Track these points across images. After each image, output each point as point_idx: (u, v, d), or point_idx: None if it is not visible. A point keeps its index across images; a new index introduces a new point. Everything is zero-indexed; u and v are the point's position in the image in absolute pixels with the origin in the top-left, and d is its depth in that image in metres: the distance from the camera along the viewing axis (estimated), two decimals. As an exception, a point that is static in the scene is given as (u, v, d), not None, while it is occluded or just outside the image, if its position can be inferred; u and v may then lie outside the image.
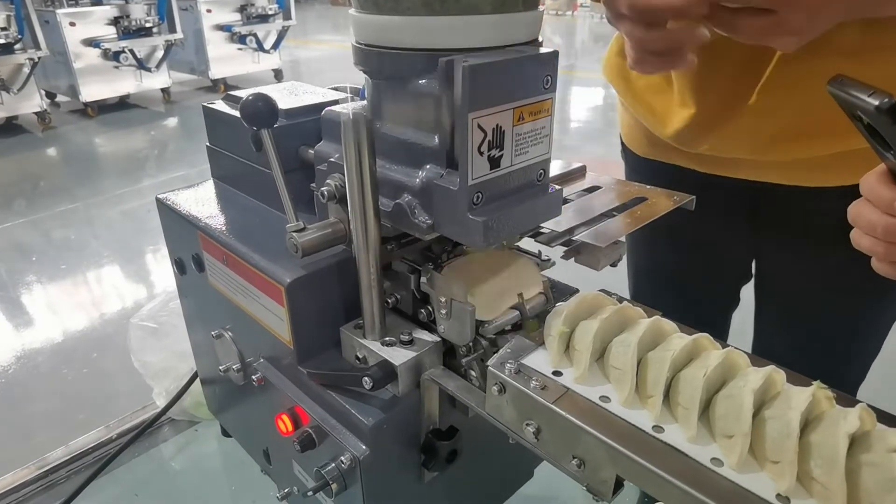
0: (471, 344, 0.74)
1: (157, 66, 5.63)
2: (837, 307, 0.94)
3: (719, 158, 0.87)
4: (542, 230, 0.77)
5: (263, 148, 0.80)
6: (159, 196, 1.05)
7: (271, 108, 0.80)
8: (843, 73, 0.45)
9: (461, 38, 0.62)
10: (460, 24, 0.61)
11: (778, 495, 0.48)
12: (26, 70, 4.75)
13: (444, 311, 0.72)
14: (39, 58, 4.78)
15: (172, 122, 5.51)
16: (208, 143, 1.06)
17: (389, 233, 0.75)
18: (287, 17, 6.41)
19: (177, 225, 1.02)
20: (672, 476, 0.50)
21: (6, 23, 4.66)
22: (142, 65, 5.48)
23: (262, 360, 0.89)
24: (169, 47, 5.60)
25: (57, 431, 1.78)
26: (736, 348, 0.60)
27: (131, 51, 5.35)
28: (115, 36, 5.32)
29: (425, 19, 0.61)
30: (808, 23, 0.58)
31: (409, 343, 0.75)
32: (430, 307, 0.77)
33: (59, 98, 5.78)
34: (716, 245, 1.05)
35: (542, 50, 0.64)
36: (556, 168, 0.95)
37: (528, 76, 0.62)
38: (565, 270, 0.86)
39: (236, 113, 0.84)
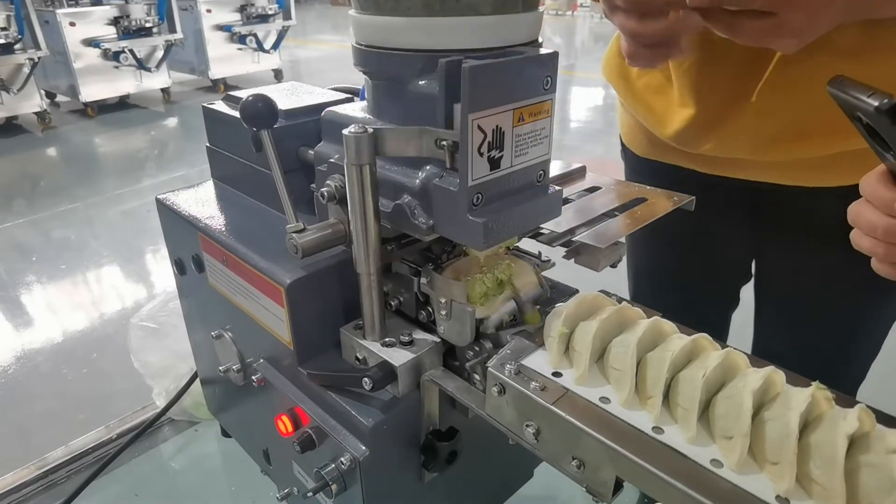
0: (476, 348, 0.74)
1: (157, 66, 5.63)
2: (837, 307, 0.94)
3: (719, 159, 0.87)
4: (542, 231, 0.77)
5: (263, 148, 0.80)
6: (159, 196, 1.05)
7: (271, 109, 0.80)
8: (843, 74, 0.45)
9: (461, 39, 0.62)
10: (460, 25, 0.61)
11: (777, 496, 0.48)
12: (26, 70, 4.75)
13: (443, 313, 0.72)
14: (39, 58, 4.78)
15: (172, 122, 5.51)
16: (208, 144, 1.06)
17: (389, 233, 0.75)
18: (287, 17, 6.41)
19: (177, 225, 1.02)
20: (671, 477, 0.50)
21: (6, 23, 4.66)
22: (142, 65, 5.48)
23: (261, 361, 0.89)
24: (169, 47, 5.60)
25: (57, 431, 1.78)
26: (735, 349, 0.60)
27: (131, 51, 5.35)
28: (115, 36, 5.32)
29: (425, 20, 0.61)
30: (808, 24, 0.58)
31: (409, 344, 0.75)
32: (430, 308, 0.77)
33: (59, 98, 5.78)
34: (715, 245, 1.05)
35: (542, 51, 0.64)
36: (555, 168, 0.95)
37: (527, 77, 0.62)
38: (565, 271, 0.86)
39: (236, 113, 0.84)
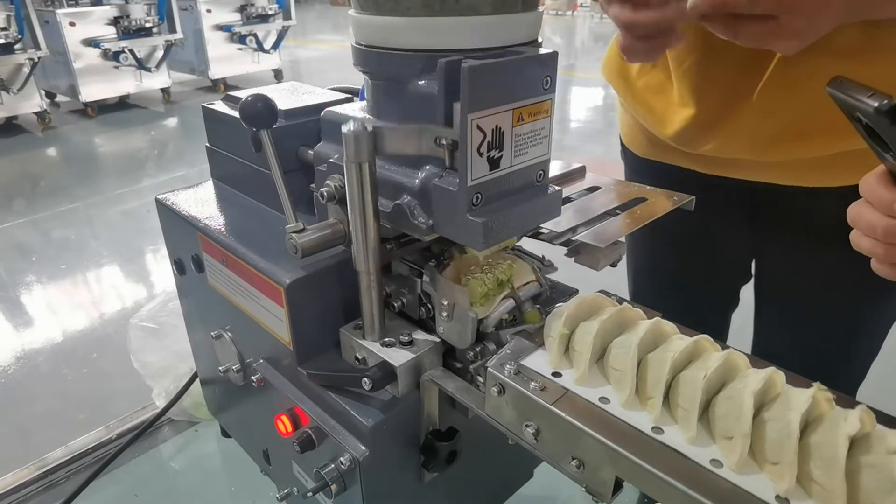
0: (477, 350, 0.74)
1: (157, 66, 5.62)
2: (837, 307, 0.94)
3: (719, 159, 0.87)
4: (542, 230, 0.77)
5: (263, 148, 0.80)
6: (159, 196, 1.05)
7: (271, 109, 0.80)
8: (843, 75, 0.45)
9: (461, 39, 0.62)
10: (460, 25, 0.61)
11: (777, 496, 0.48)
12: (26, 70, 4.74)
13: (444, 314, 0.72)
14: (39, 58, 4.78)
15: (172, 122, 5.51)
16: (208, 144, 1.06)
17: (389, 233, 0.75)
18: (287, 17, 6.40)
19: (176, 225, 1.02)
20: (671, 477, 0.50)
21: (6, 23, 4.66)
22: (142, 65, 5.48)
23: (261, 361, 0.89)
24: (169, 47, 5.60)
25: (57, 431, 1.78)
26: (736, 349, 0.59)
27: (131, 51, 5.35)
28: (115, 36, 5.32)
29: (425, 20, 0.61)
30: (808, 26, 0.59)
31: (409, 344, 0.75)
32: (430, 305, 0.77)
33: (59, 98, 5.77)
34: (715, 245, 1.05)
35: (542, 51, 0.64)
36: (555, 168, 0.95)
37: (527, 77, 0.62)
38: (565, 271, 0.86)
39: (236, 113, 0.84)
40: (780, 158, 0.82)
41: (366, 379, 0.71)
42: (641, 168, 1.03)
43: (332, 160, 0.76)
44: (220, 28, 5.99)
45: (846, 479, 0.45)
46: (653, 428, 0.55)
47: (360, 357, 0.78)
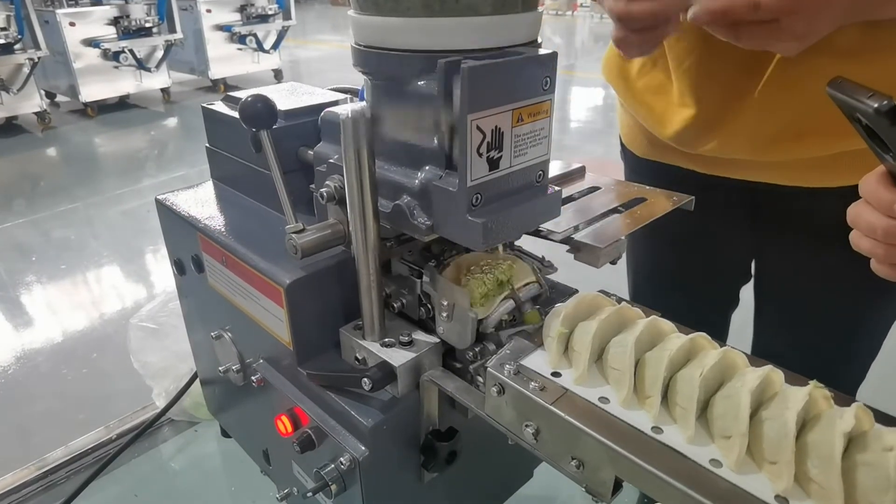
0: (477, 350, 0.74)
1: (157, 66, 5.62)
2: (837, 307, 0.95)
3: (719, 159, 0.87)
4: (541, 230, 0.77)
5: (263, 149, 0.80)
6: (159, 197, 1.05)
7: (270, 110, 0.80)
8: (843, 75, 0.45)
9: (461, 39, 0.62)
10: (460, 25, 0.61)
11: (776, 496, 0.48)
12: (26, 70, 4.74)
13: (444, 314, 0.72)
14: (39, 58, 4.78)
15: (172, 122, 5.51)
16: (208, 144, 1.06)
17: (389, 234, 0.75)
18: (287, 17, 6.40)
19: (176, 226, 1.02)
20: (671, 477, 0.50)
21: (6, 23, 4.66)
22: (141, 65, 5.48)
23: (261, 361, 0.89)
24: (169, 47, 5.60)
25: (57, 431, 1.78)
26: (734, 348, 0.60)
27: (131, 51, 5.35)
28: (115, 36, 5.32)
29: (425, 20, 0.61)
30: (809, 28, 0.59)
31: (409, 344, 0.75)
32: (429, 305, 0.77)
33: (59, 98, 5.77)
34: (715, 245, 1.05)
35: (541, 51, 0.64)
36: (555, 169, 0.95)
37: (527, 77, 0.62)
38: (565, 271, 0.86)
39: (235, 114, 0.84)
40: (780, 158, 0.82)
41: (366, 379, 0.71)
42: (641, 168, 1.03)
43: (331, 160, 0.77)
44: (220, 28, 5.99)
45: (843, 477, 0.45)
46: (652, 428, 0.55)
47: (359, 357, 0.78)
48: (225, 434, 1.24)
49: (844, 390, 0.56)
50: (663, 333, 0.63)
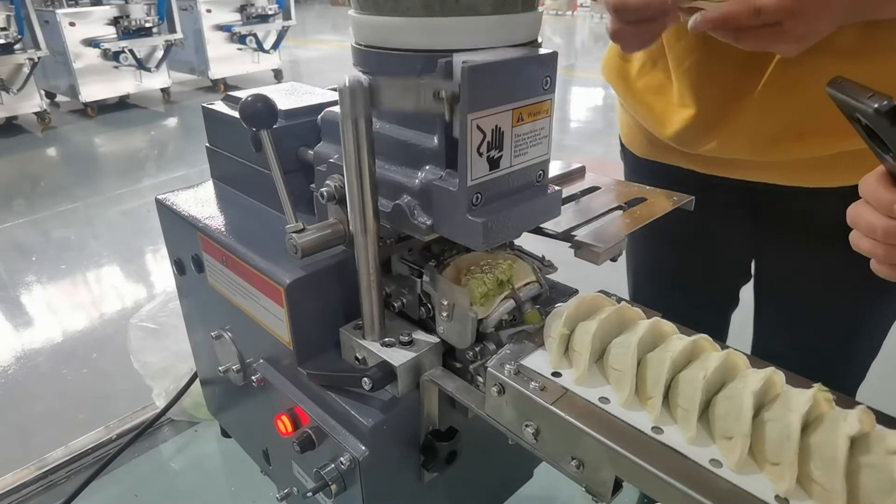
0: (477, 350, 0.74)
1: (157, 66, 5.62)
2: (837, 307, 0.95)
3: (719, 159, 0.87)
4: (541, 230, 0.77)
5: (263, 149, 0.80)
6: (159, 197, 1.05)
7: (270, 109, 0.80)
8: (842, 76, 0.45)
9: (461, 39, 0.62)
10: (460, 25, 0.61)
11: (777, 496, 0.48)
12: (26, 70, 4.74)
13: (444, 314, 0.72)
14: (39, 58, 4.78)
15: (172, 122, 5.51)
16: (208, 144, 1.06)
17: (389, 233, 0.75)
18: (287, 17, 6.40)
19: (176, 226, 1.02)
20: (670, 476, 0.50)
21: (6, 23, 4.66)
22: (141, 65, 5.48)
23: (261, 361, 0.89)
24: (169, 47, 5.60)
25: (57, 431, 1.78)
26: (735, 349, 0.60)
27: (131, 51, 5.35)
28: (115, 36, 5.31)
29: (425, 20, 0.61)
30: (810, 29, 0.59)
31: (409, 344, 0.75)
32: (430, 305, 0.77)
33: (59, 98, 5.77)
34: (715, 245, 1.05)
35: (542, 51, 0.64)
36: (555, 168, 0.95)
37: (527, 77, 0.62)
38: (566, 271, 0.86)
39: (236, 114, 0.84)
40: (780, 158, 0.82)
41: (366, 379, 0.71)
42: (641, 168, 1.03)
43: (332, 160, 0.77)
44: (220, 28, 5.98)
45: (846, 479, 0.45)
46: (652, 428, 0.55)
47: (360, 357, 0.78)
48: (225, 434, 1.24)
49: (844, 390, 0.56)
50: (665, 335, 0.63)
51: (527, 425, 0.62)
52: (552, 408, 0.59)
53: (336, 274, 0.80)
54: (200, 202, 1.01)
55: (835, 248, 0.70)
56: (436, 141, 0.65)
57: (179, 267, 1.08)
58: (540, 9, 0.67)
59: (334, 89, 1.00)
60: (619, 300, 0.73)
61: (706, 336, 0.61)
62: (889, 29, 0.68)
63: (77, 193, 3.75)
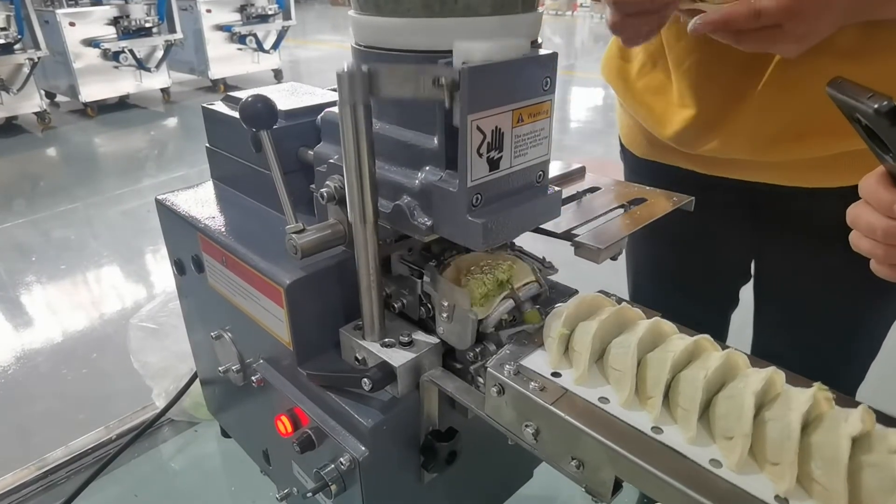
0: (478, 350, 0.74)
1: (157, 66, 5.62)
2: (837, 307, 0.95)
3: (719, 159, 0.87)
4: (542, 229, 0.77)
5: (263, 149, 0.80)
6: (159, 197, 1.05)
7: (270, 110, 0.80)
8: (842, 76, 0.45)
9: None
10: (460, 25, 0.61)
11: (776, 496, 0.48)
12: (26, 70, 4.74)
13: (445, 315, 0.72)
14: (39, 58, 4.78)
15: (172, 122, 5.51)
16: (208, 144, 1.06)
17: (389, 234, 0.75)
18: (287, 17, 6.40)
19: (176, 226, 1.02)
20: (671, 477, 0.50)
21: (6, 23, 4.66)
22: (141, 65, 5.48)
23: (261, 362, 0.89)
24: (169, 47, 5.60)
25: (57, 432, 1.78)
26: (736, 349, 0.60)
27: (131, 51, 5.35)
28: (115, 36, 5.31)
29: (425, 21, 0.61)
30: (810, 30, 0.59)
31: (409, 344, 0.75)
32: (430, 305, 0.77)
33: (59, 98, 5.77)
34: (715, 245, 1.05)
35: (541, 52, 0.64)
36: (555, 169, 0.95)
37: (527, 78, 0.62)
38: (566, 271, 0.86)
39: (236, 114, 0.84)
40: (780, 159, 0.82)
41: (365, 379, 0.71)
42: (641, 168, 1.04)
43: (331, 160, 0.77)
44: (220, 28, 5.98)
45: (848, 478, 0.45)
46: (652, 428, 0.55)
47: (359, 357, 0.78)
48: (225, 434, 1.24)
49: (844, 390, 0.56)
50: (665, 335, 0.63)
51: (526, 425, 0.62)
52: (552, 408, 0.59)
53: (336, 274, 0.80)
54: (200, 202, 1.01)
55: (835, 248, 0.70)
56: (436, 141, 0.65)
57: (179, 267, 1.08)
58: (540, 9, 0.67)
59: (334, 89, 1.01)
60: (619, 300, 0.73)
61: (707, 336, 0.61)
62: (889, 29, 0.68)
63: (77, 193, 3.75)
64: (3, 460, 1.67)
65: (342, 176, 0.71)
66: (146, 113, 5.65)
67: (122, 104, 5.79)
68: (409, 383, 0.75)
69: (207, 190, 1.07)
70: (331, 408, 0.77)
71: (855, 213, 0.51)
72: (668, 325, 0.64)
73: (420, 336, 0.77)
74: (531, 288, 0.77)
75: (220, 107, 1.00)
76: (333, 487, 0.75)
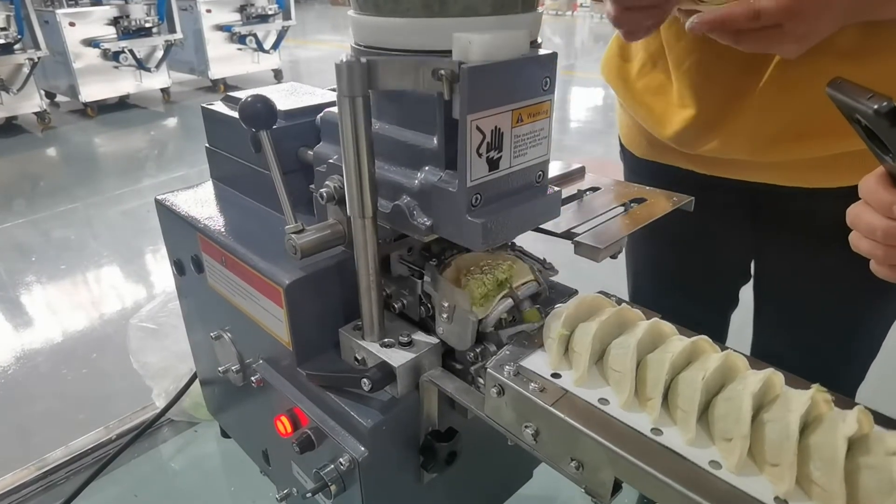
0: (478, 351, 0.74)
1: (157, 67, 5.62)
2: (836, 308, 0.94)
3: (718, 159, 0.87)
4: (541, 229, 0.77)
5: (262, 149, 0.80)
6: (158, 197, 1.05)
7: (270, 110, 0.80)
8: (843, 76, 0.45)
9: (460, 39, 0.62)
10: (460, 25, 0.61)
11: (776, 498, 0.48)
12: (26, 70, 4.74)
13: (445, 316, 0.72)
14: (39, 58, 4.78)
15: (172, 122, 5.51)
16: (207, 144, 1.06)
17: (388, 234, 0.75)
18: (287, 17, 6.40)
19: (176, 226, 1.02)
20: (670, 478, 0.50)
21: (6, 23, 4.66)
22: (141, 65, 5.48)
23: (261, 362, 0.89)
24: (168, 47, 5.60)
25: (57, 432, 1.78)
26: (734, 350, 0.59)
27: (131, 51, 5.35)
28: (115, 36, 5.31)
29: (425, 21, 0.61)
30: (810, 30, 0.59)
31: (408, 344, 0.75)
32: (430, 304, 0.77)
33: (59, 98, 5.77)
34: (715, 246, 1.05)
35: (541, 52, 0.64)
36: (555, 169, 0.95)
37: (526, 78, 0.62)
38: (566, 271, 0.86)
39: (235, 114, 0.84)
40: (780, 159, 0.82)
41: (365, 380, 0.71)
42: (640, 169, 1.03)
43: (331, 160, 0.76)
44: (220, 28, 5.98)
45: (846, 479, 0.45)
46: (652, 429, 0.55)
47: (359, 358, 0.78)
48: (224, 434, 1.24)
49: (844, 391, 0.56)
50: (664, 336, 0.63)
51: (526, 426, 0.62)
52: (551, 409, 0.59)
53: (335, 274, 0.80)
54: (200, 203, 1.01)
55: (834, 248, 0.70)
56: (435, 141, 0.65)
57: (179, 267, 1.08)
58: (540, 9, 0.67)
59: (334, 89, 1.00)
60: (619, 301, 0.73)
61: (706, 337, 0.61)
62: (889, 29, 0.68)
63: (77, 193, 3.75)
64: (3, 460, 1.67)
65: (342, 176, 0.70)
66: (146, 113, 5.65)
67: (122, 104, 5.79)
68: (408, 383, 0.74)
69: (207, 190, 1.07)
70: (330, 408, 0.77)
71: (855, 214, 0.51)
72: (667, 326, 0.64)
73: (420, 336, 0.77)
74: (530, 287, 0.77)
75: (219, 107, 1.00)
76: (333, 488, 0.75)
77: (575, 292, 0.84)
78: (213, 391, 1.21)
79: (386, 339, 0.76)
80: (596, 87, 6.27)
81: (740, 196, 0.93)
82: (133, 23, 5.32)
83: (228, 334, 0.97)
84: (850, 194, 0.52)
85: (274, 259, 0.81)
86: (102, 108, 5.53)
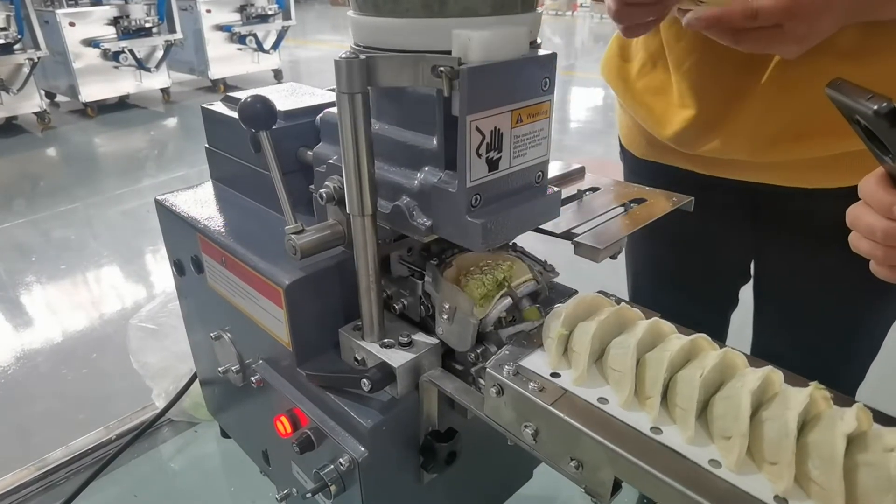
0: (479, 351, 0.74)
1: (157, 67, 5.62)
2: (836, 308, 0.95)
3: (718, 160, 0.87)
4: (541, 229, 0.77)
5: (262, 150, 0.80)
6: (158, 197, 1.05)
7: (270, 110, 0.80)
8: (842, 76, 0.45)
9: (459, 40, 0.62)
10: (459, 26, 0.61)
11: (776, 496, 0.48)
12: (26, 70, 4.74)
13: (445, 317, 0.72)
14: (39, 58, 4.78)
15: (172, 122, 5.50)
16: (207, 145, 1.06)
17: (388, 235, 0.75)
18: (287, 17, 6.40)
19: (176, 226, 1.02)
20: (669, 477, 0.50)
21: (6, 23, 4.66)
22: (141, 65, 5.48)
23: (260, 362, 0.89)
24: (168, 47, 5.60)
25: (57, 432, 1.78)
26: (733, 349, 0.60)
27: (131, 51, 5.35)
28: (115, 36, 5.31)
29: (424, 21, 0.61)
30: (810, 31, 0.59)
31: (408, 345, 0.75)
32: (430, 304, 0.77)
33: (59, 98, 5.77)
34: (715, 246, 1.05)
35: (541, 52, 0.64)
36: (555, 169, 0.95)
37: (526, 78, 0.62)
38: (566, 271, 0.86)
39: (235, 114, 0.84)
40: (780, 159, 0.82)
41: (365, 380, 0.71)
42: (640, 169, 1.03)
43: (331, 161, 0.77)
44: (220, 28, 5.98)
45: (844, 477, 0.45)
46: (651, 428, 0.55)
47: (359, 358, 0.78)
48: (224, 434, 1.24)
49: (844, 390, 0.56)
50: (664, 335, 0.63)
51: (526, 426, 0.62)
52: (551, 408, 0.59)
53: (335, 275, 0.80)
54: (200, 203, 1.01)
55: (834, 248, 0.70)
56: (435, 142, 0.65)
57: (179, 268, 1.08)
58: (540, 9, 0.67)
59: (334, 89, 1.00)
60: (619, 301, 0.73)
61: (704, 335, 0.61)
62: (889, 29, 0.68)
63: (77, 193, 3.75)
64: (3, 460, 1.67)
65: (341, 176, 0.70)
66: (146, 113, 5.65)
67: (122, 104, 5.79)
68: (408, 384, 0.75)
69: (207, 190, 1.07)
70: (330, 408, 0.77)
71: (854, 214, 0.51)
72: (667, 326, 0.64)
73: (419, 336, 0.77)
74: (528, 285, 0.77)
75: (219, 107, 1.00)
76: (333, 488, 0.75)
77: (575, 292, 0.84)
78: (213, 391, 1.21)
79: (386, 340, 0.76)
80: (596, 88, 6.27)
81: (740, 196, 0.93)
82: (133, 23, 5.32)
83: (228, 334, 0.97)
84: (850, 194, 0.52)
85: (274, 259, 0.81)
86: (102, 108, 5.53)
